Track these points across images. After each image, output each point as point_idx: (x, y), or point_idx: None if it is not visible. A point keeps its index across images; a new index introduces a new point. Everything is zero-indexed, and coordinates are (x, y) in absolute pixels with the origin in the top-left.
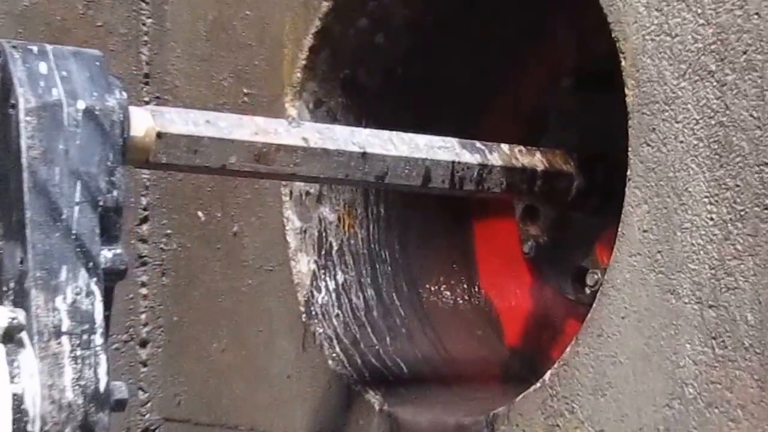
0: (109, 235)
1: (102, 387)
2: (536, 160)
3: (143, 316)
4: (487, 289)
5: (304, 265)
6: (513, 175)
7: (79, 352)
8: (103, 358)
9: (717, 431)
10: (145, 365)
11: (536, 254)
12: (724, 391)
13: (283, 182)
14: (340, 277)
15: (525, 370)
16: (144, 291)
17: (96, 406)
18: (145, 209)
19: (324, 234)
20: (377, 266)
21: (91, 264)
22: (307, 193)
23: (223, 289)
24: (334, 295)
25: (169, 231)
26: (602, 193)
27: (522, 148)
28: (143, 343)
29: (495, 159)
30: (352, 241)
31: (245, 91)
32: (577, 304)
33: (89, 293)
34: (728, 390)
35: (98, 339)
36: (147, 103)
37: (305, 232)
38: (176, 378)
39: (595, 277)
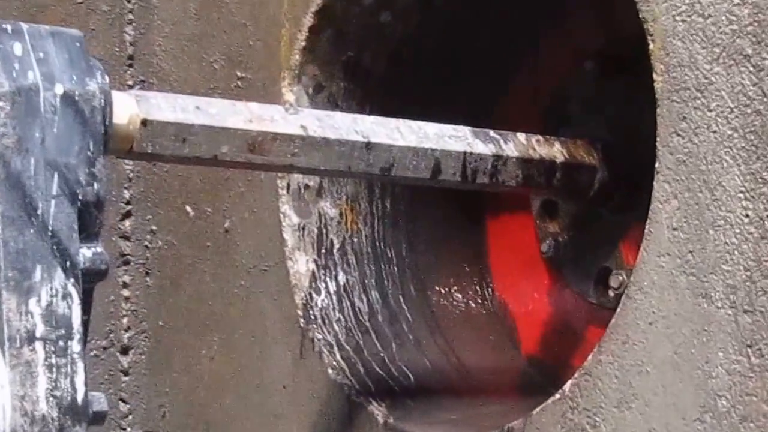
0: (88, 232)
1: (79, 398)
2: (555, 150)
3: (125, 321)
4: (501, 292)
5: (302, 264)
6: (530, 167)
7: (54, 360)
8: (80, 366)
9: None
10: (126, 374)
11: (555, 254)
12: (760, 403)
13: (280, 174)
14: (341, 278)
15: (543, 380)
16: (126, 293)
17: (72, 419)
18: (127, 203)
19: (324, 231)
20: (382, 266)
21: (68, 263)
22: (306, 186)
23: (213, 291)
24: (335, 298)
25: (154, 227)
26: (628, 188)
27: (540, 137)
28: (125, 350)
29: (510, 149)
30: (355, 239)
31: (239, 74)
32: (600, 308)
33: (66, 295)
34: (765, 402)
35: (75, 345)
36: (131, 87)
37: (304, 228)
38: (161, 388)
39: (620, 278)
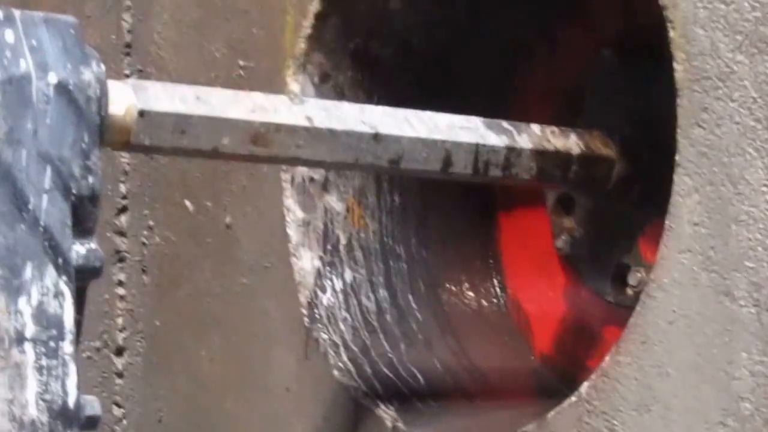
0: (82, 228)
1: (71, 402)
2: (571, 142)
3: (120, 320)
4: (515, 290)
5: (307, 261)
6: (545, 159)
7: (44, 362)
8: (72, 368)
9: None
10: (121, 376)
11: (571, 250)
12: None
13: (284, 167)
14: (348, 276)
15: (558, 382)
16: (121, 291)
17: (63, 424)
18: (124, 198)
19: (330, 226)
20: (391, 263)
21: (60, 260)
22: (311, 180)
23: (214, 290)
24: (341, 296)
25: (151, 223)
26: (647, 181)
27: (555, 128)
28: (119, 351)
29: (524, 141)
30: (362, 235)
31: (241, 63)
32: (618, 306)
33: (58, 294)
34: None
35: (67, 347)
36: (128, 76)
37: (308, 224)
38: (157, 391)
39: (639, 275)
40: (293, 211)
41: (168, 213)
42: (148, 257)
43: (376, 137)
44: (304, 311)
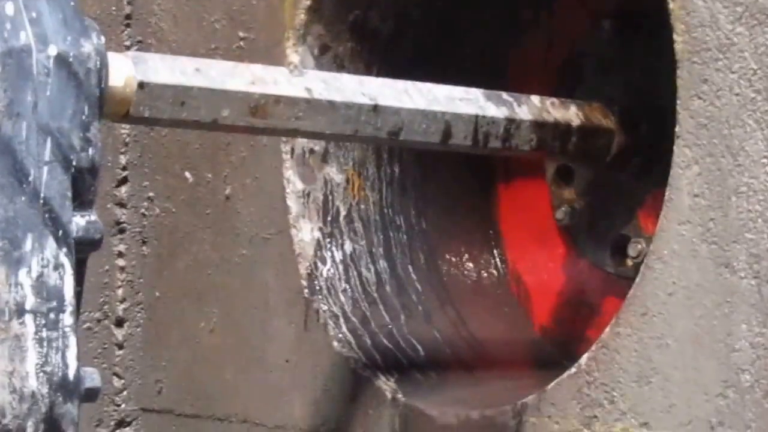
0: (82, 200)
1: (71, 374)
2: (571, 114)
3: (120, 292)
4: (514, 261)
5: (306, 233)
6: (544, 130)
7: (44, 334)
8: (72, 340)
9: None
10: (121, 348)
11: (570, 221)
12: None
13: (284, 138)
14: (348, 247)
15: (557, 353)
16: (121, 262)
17: (63, 395)
18: (123, 169)
19: (330, 197)
20: (391, 235)
21: (60, 232)
22: (311, 151)
23: (213, 261)
24: (341, 268)
25: (151, 194)
26: (646, 152)
27: (555, 100)
28: (119, 323)
29: (524, 113)
30: (362, 206)
31: (241, 35)
32: (618, 278)
33: (58, 266)
34: None
35: (67, 318)
36: (128, 48)
37: (308, 195)
38: (157, 363)
39: (639, 247)
40: (293, 183)
41: (168, 184)
42: (148, 228)
43: (376, 109)
44: (304, 282)
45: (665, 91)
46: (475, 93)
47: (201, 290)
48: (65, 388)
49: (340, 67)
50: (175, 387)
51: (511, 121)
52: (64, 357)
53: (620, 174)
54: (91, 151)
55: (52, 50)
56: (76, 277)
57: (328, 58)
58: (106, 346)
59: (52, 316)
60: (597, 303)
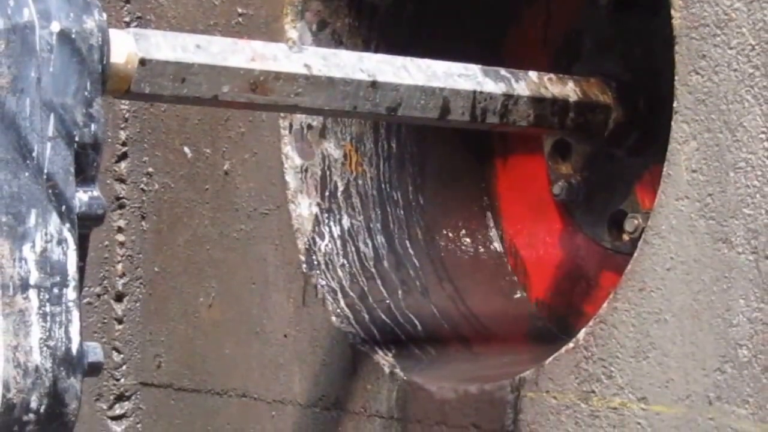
0: (85, 175)
1: (74, 348)
2: (569, 89)
3: (119, 267)
4: (512, 236)
5: (304, 208)
6: (542, 106)
7: (48, 309)
8: (75, 315)
9: None
10: (120, 322)
11: (568, 196)
12: None
13: (282, 114)
14: (346, 222)
15: (555, 328)
16: (121, 237)
17: (67, 370)
18: (123, 144)
19: (328, 173)
20: (388, 210)
21: (64, 208)
22: (309, 127)
23: (212, 236)
24: (339, 243)
25: (150, 169)
26: (644, 128)
27: (552, 76)
28: (119, 297)
29: (522, 88)
30: (359, 181)
31: (239, 11)
32: (615, 253)
33: (61, 241)
34: None
35: (71, 293)
36: (128, 24)
37: (306, 170)
38: (156, 337)
39: (636, 222)
40: (291, 158)
41: (167, 160)
42: (148, 204)
43: (374, 85)
44: (302, 258)
45: (663, 66)
46: (474, 69)
47: (200, 265)
48: (68, 362)
49: (338, 42)
50: (174, 361)
51: (508, 96)
52: (67, 331)
53: (618, 149)
54: (93, 126)
55: (55, 26)
56: (79, 253)
57: (326, 34)
58: (105, 320)
59: (55, 291)
60: (593, 277)
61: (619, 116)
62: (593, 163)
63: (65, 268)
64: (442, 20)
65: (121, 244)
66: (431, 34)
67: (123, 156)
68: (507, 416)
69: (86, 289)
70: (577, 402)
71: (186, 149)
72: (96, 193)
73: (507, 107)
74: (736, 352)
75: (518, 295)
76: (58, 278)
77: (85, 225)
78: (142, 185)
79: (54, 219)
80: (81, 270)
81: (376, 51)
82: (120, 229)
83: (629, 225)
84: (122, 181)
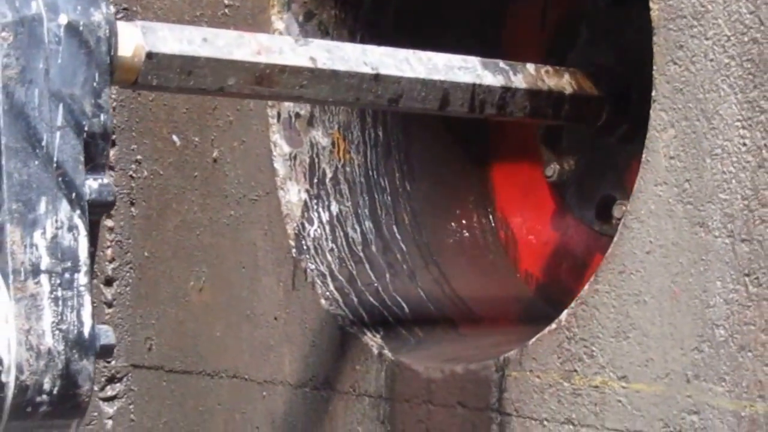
0: (94, 164)
1: (86, 331)
2: (564, 82)
3: (109, 252)
4: (501, 218)
5: (293, 194)
6: (538, 98)
7: (60, 293)
8: (87, 299)
9: (751, 377)
10: (110, 306)
11: (559, 179)
12: (758, 332)
13: (270, 103)
14: (334, 208)
15: (545, 309)
16: (110, 223)
17: (79, 352)
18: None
19: (316, 160)
20: (376, 195)
21: (74, 195)
22: (297, 115)
23: (201, 222)
24: (327, 228)
25: (139, 157)
26: (635, 118)
27: (549, 68)
28: (109, 282)
29: (519, 81)
30: (347, 168)
31: (226, 2)
32: (603, 236)
33: (72, 227)
34: (763, 332)
35: (82, 278)
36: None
37: (295, 158)
38: (146, 320)
39: (623, 208)
40: (280, 146)
41: (155, 147)
42: (137, 190)
43: (377, 78)
44: (292, 242)
45: (651, 58)
46: (473, 62)
47: (190, 250)
48: (81, 345)
49: (324, 33)
50: (165, 344)
51: (506, 89)
52: (79, 315)
53: (610, 137)
54: (102, 116)
55: (63, 19)
56: (89, 239)
57: (313, 25)
58: (95, 304)
59: (66, 276)
60: (584, 259)
61: (612, 108)
62: (585, 148)
63: (76, 253)
64: (431, 10)
65: (111, 229)
66: (419, 24)
67: (111, 143)
68: (492, 395)
69: None
70: (559, 381)
71: (174, 137)
72: (106, 180)
73: (505, 99)
74: (713, 332)
75: (507, 277)
76: (69, 263)
77: (96, 212)
78: (130, 172)
79: (64, 206)
80: (92, 256)
81: (362, 42)
82: (109, 215)
83: (617, 211)
84: (110, 168)
